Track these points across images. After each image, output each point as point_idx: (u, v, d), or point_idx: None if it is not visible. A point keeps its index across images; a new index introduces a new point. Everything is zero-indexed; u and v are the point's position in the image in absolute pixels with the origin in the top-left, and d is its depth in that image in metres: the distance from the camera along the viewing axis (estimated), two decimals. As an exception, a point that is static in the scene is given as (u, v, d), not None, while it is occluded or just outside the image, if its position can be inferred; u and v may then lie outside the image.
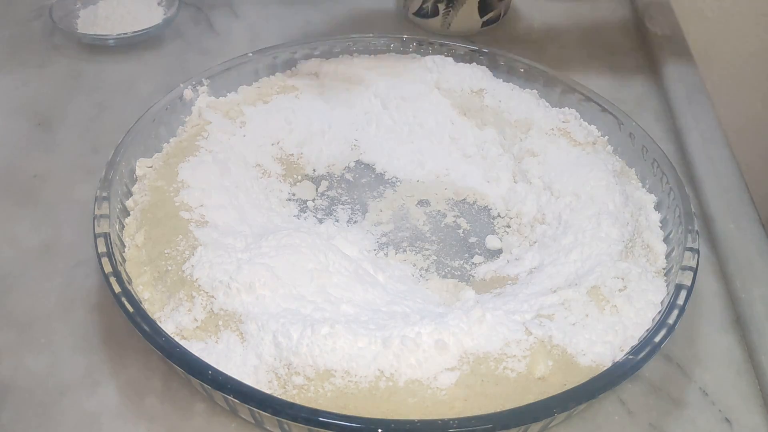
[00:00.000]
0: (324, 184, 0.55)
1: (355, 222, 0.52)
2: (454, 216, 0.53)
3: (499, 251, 0.50)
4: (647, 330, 0.41)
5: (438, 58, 0.60)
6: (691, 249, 0.44)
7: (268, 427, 0.39)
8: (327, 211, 0.53)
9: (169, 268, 0.43)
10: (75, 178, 0.55)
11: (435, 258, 0.50)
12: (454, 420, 0.35)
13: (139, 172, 0.50)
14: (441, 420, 0.35)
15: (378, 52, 0.61)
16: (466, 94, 0.58)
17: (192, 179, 0.48)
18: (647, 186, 0.52)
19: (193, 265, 0.42)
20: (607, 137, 0.55)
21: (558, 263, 0.46)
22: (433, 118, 0.57)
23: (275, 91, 0.58)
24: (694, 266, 0.43)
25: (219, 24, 0.73)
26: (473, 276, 0.48)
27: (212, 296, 0.41)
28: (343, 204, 0.53)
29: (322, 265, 0.43)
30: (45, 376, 0.43)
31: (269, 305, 0.41)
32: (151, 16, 0.69)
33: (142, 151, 0.51)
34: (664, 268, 0.46)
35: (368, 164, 0.56)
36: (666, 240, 0.47)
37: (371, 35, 0.62)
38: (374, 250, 0.50)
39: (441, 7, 0.70)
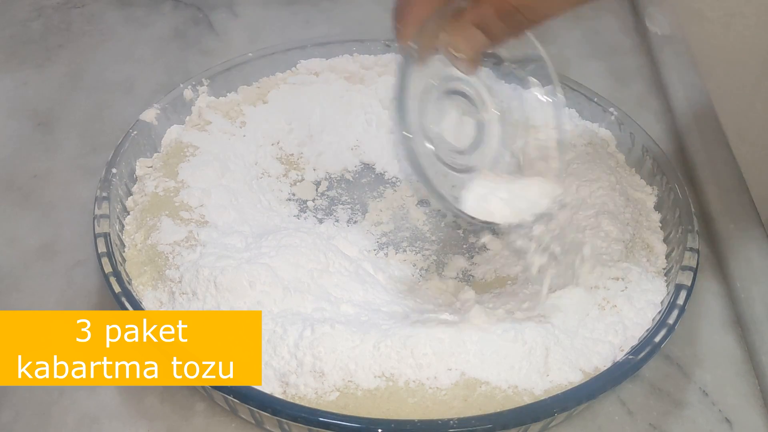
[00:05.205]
0: (324, 184, 0.55)
1: (355, 222, 0.52)
2: (454, 216, 0.53)
3: (499, 251, 0.50)
4: (647, 330, 0.41)
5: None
6: (691, 249, 0.44)
7: (268, 427, 0.39)
8: (327, 211, 0.53)
9: (169, 268, 0.43)
10: (75, 178, 0.55)
11: (435, 258, 0.50)
12: (454, 420, 0.35)
13: (139, 172, 0.50)
14: (441, 420, 0.35)
15: (378, 51, 0.61)
16: (466, 93, 0.58)
17: (192, 179, 0.48)
18: (647, 186, 0.52)
19: (193, 265, 0.42)
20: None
21: (558, 263, 0.46)
22: (433, 118, 0.57)
23: (275, 91, 0.58)
24: (694, 266, 0.43)
25: (219, 24, 0.73)
26: (473, 276, 0.48)
27: (212, 296, 0.41)
28: (343, 204, 0.53)
29: (322, 265, 0.43)
30: (45, 376, 0.43)
31: (269, 305, 0.41)
32: None
33: (142, 151, 0.51)
34: (664, 268, 0.46)
35: (368, 164, 0.56)
36: (666, 240, 0.47)
37: (371, 35, 0.62)
38: (374, 250, 0.50)
39: (441, 7, 0.69)
